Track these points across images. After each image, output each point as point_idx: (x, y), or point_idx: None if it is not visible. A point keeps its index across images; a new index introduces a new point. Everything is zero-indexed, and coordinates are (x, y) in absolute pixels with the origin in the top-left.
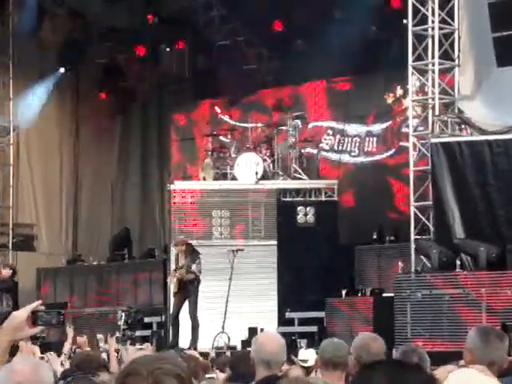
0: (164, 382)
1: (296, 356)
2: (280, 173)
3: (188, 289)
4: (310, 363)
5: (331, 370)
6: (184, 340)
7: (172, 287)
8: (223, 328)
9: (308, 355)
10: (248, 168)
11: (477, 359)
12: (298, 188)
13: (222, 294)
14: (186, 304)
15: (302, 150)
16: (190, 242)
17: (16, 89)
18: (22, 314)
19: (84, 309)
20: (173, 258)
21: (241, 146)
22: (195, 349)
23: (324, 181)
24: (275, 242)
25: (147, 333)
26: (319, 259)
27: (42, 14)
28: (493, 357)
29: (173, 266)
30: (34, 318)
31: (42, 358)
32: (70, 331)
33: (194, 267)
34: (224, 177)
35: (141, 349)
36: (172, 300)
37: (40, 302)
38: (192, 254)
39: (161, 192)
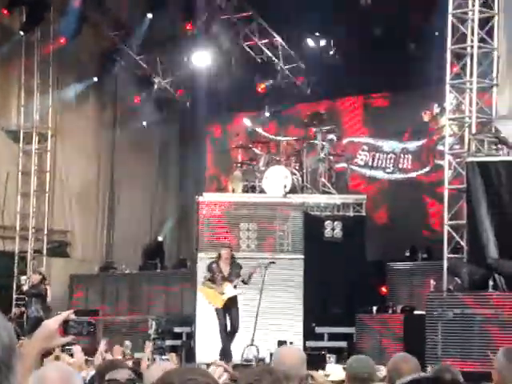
0: None
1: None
2: (308, 186)
3: (235, 298)
4: (333, 378)
5: None
6: (211, 351)
7: (227, 292)
8: (252, 341)
9: (334, 370)
10: (277, 181)
11: (504, 380)
12: (325, 202)
13: (249, 307)
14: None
15: (335, 165)
16: None
17: (55, 97)
18: (53, 322)
19: (115, 317)
20: (200, 270)
21: (270, 159)
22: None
23: (352, 196)
24: (302, 256)
25: (177, 343)
26: (345, 274)
27: (83, 21)
28: None
29: (200, 277)
30: (65, 327)
31: (69, 350)
32: (103, 343)
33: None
34: (253, 189)
35: (166, 359)
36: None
37: (71, 311)
38: (236, 261)
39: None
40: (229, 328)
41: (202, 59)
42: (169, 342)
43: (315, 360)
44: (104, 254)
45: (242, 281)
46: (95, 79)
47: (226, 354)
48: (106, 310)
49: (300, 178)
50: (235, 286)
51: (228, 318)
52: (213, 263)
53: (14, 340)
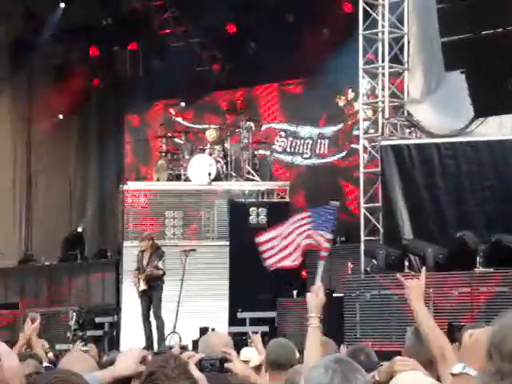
0: None
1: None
2: (233, 174)
3: (155, 286)
4: (253, 364)
5: (277, 370)
6: (137, 340)
7: (141, 286)
8: (174, 328)
9: (250, 355)
10: (201, 169)
11: (412, 357)
12: (250, 189)
13: (174, 294)
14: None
15: (255, 152)
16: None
17: None
18: None
19: (35, 309)
20: (126, 259)
21: (194, 148)
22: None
23: (276, 182)
24: (227, 243)
25: (99, 333)
26: None
27: None
28: (429, 355)
29: (132, 266)
30: None
31: None
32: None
33: (161, 264)
34: (177, 178)
35: (86, 351)
36: (138, 300)
37: None
38: (157, 250)
39: (116, 193)
40: (152, 316)
41: (117, 48)
42: (90, 333)
43: (236, 345)
44: (23, 246)
45: (147, 274)
46: (10, 71)
47: (148, 343)
48: (26, 302)
49: (224, 166)
50: (157, 269)
51: (151, 305)
52: (138, 252)
53: None
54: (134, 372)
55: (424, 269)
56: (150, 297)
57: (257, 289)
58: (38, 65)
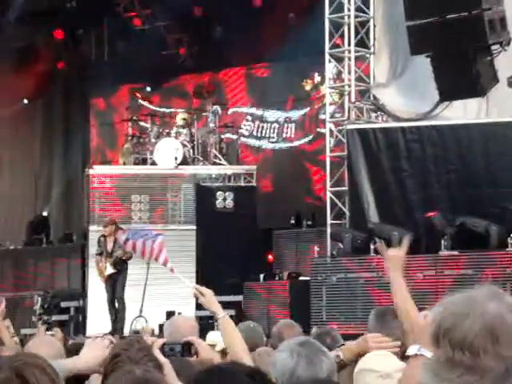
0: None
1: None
2: (200, 158)
3: (121, 270)
4: (219, 348)
5: None
6: (103, 325)
7: (108, 270)
8: (141, 312)
9: (216, 339)
10: (168, 153)
11: None
12: (217, 173)
13: (140, 278)
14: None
15: (222, 136)
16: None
17: None
18: None
19: (0, 294)
20: (92, 243)
21: (160, 132)
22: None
23: (243, 166)
24: (194, 227)
25: (65, 317)
26: (238, 243)
27: None
28: (389, 337)
29: (93, 250)
30: None
31: None
32: None
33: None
34: (144, 162)
35: (52, 335)
36: (103, 285)
37: None
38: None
39: (81, 177)
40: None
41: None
42: (56, 317)
43: (203, 329)
44: None
45: (118, 257)
46: None
47: (114, 327)
48: None
49: (191, 150)
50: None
51: (115, 290)
52: (101, 237)
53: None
54: (97, 367)
55: (407, 238)
56: (116, 281)
57: (224, 273)
58: (0, 48)
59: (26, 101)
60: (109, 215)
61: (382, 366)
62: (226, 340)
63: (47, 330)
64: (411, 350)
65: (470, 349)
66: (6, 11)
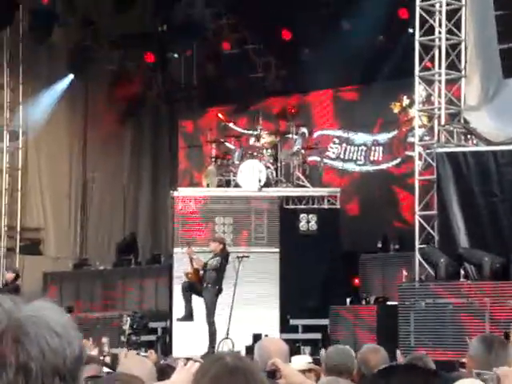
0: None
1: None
2: (283, 180)
3: (208, 289)
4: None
5: (334, 376)
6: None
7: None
8: (227, 334)
9: (301, 363)
10: (251, 175)
11: (479, 367)
12: (300, 195)
13: (226, 300)
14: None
15: (307, 158)
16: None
17: (26, 94)
18: None
19: (90, 313)
20: (178, 264)
21: (244, 153)
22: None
23: (327, 189)
24: (278, 249)
25: (152, 338)
26: (321, 266)
27: (53, 21)
28: (496, 365)
29: (177, 272)
30: None
31: None
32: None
33: (215, 261)
34: (227, 184)
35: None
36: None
37: None
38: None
39: (168, 199)
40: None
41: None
42: (144, 338)
43: (291, 352)
44: (78, 251)
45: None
46: (66, 77)
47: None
48: (81, 306)
49: (274, 172)
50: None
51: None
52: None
53: (84, 351)
54: None
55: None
56: (199, 293)
57: (307, 295)
58: (93, 71)
59: (116, 122)
60: (192, 236)
61: None
62: None
63: (135, 350)
64: None
65: None
66: (99, 35)
